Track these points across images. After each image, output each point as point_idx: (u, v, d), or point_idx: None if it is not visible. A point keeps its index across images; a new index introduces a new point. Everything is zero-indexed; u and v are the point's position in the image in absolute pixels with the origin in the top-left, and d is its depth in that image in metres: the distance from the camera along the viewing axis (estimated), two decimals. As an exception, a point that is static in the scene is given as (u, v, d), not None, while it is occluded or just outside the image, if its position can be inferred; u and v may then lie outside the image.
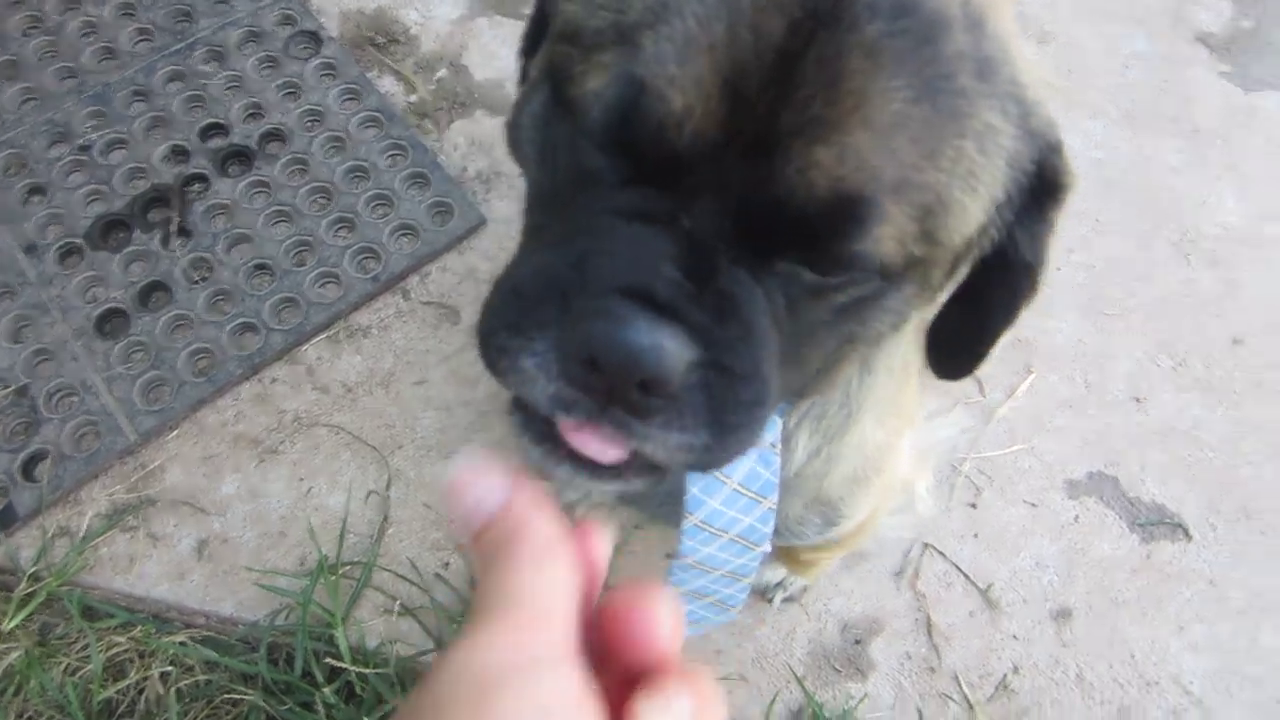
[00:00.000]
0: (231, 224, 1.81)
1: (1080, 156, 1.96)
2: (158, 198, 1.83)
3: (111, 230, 1.80)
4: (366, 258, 1.80)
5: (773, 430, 0.93)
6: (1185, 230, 1.95)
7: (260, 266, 1.78)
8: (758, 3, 0.62)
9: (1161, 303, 1.87)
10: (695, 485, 0.95)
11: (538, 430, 0.72)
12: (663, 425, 0.67)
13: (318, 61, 1.98)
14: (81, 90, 1.92)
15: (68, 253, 1.77)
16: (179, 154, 1.87)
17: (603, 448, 0.70)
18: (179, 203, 1.82)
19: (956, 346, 0.86)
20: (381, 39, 2.04)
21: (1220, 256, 1.92)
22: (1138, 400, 1.79)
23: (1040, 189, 0.73)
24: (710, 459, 0.72)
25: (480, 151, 1.94)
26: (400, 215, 1.83)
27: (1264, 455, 1.75)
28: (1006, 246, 0.75)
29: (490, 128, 1.96)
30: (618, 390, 0.65)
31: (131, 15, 2.01)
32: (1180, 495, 1.71)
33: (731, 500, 0.97)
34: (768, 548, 1.05)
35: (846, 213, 0.64)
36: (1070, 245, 1.91)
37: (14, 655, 1.51)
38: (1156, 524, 1.69)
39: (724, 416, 0.68)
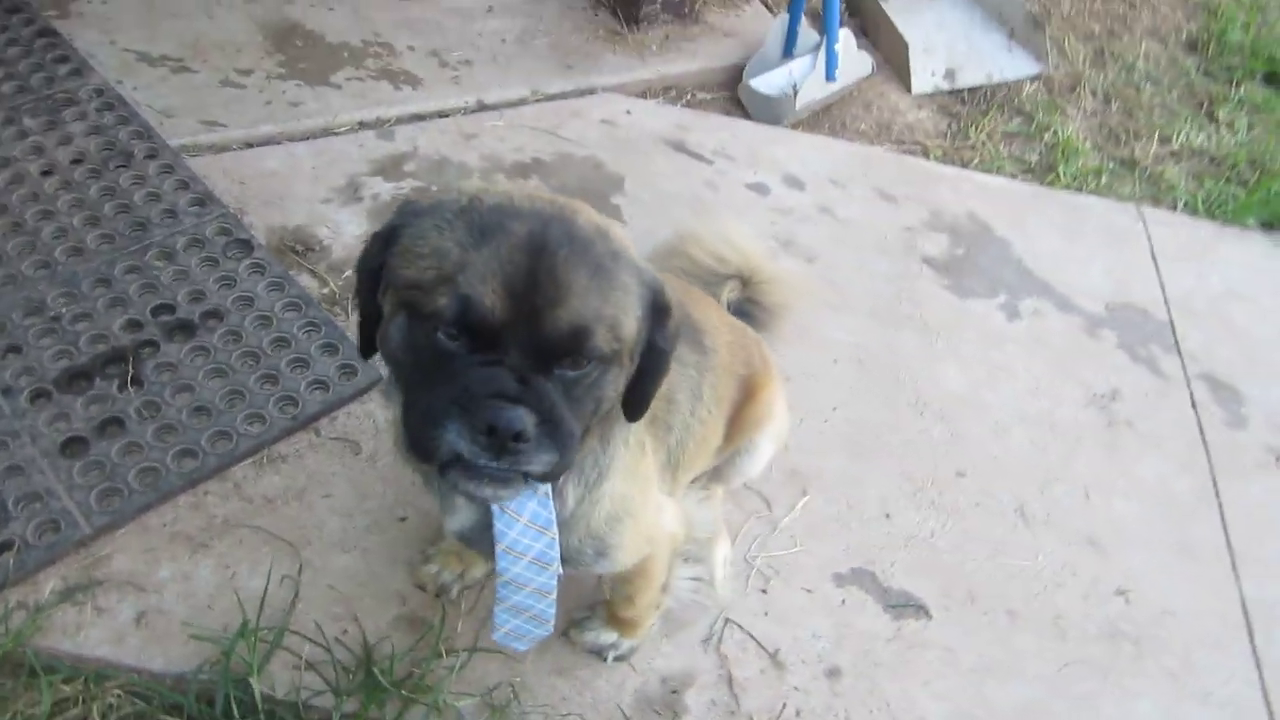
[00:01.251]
0: (176, 377, 2.26)
1: (842, 343, 2.64)
2: (115, 357, 2.27)
3: (75, 379, 2.22)
4: (287, 404, 2.26)
5: (545, 486, 1.47)
6: (920, 395, 2.59)
7: (199, 409, 2.21)
8: (509, 250, 1.20)
9: (904, 446, 2.47)
10: (501, 524, 1.50)
11: (468, 472, 1.27)
12: (531, 453, 1.24)
13: (249, 261, 2.51)
14: (53, 277, 2.39)
15: (38, 395, 2.18)
16: (134, 325, 2.33)
17: (497, 482, 1.29)
18: (133, 360, 2.27)
19: (633, 401, 1.42)
20: (300, 248, 2.60)
21: (946, 414, 2.56)
22: (887, 516, 2.34)
23: (657, 310, 1.33)
24: (555, 469, 1.30)
25: (380, 329, 2.46)
26: (314, 374, 2.31)
27: (983, 556, 2.30)
28: (651, 342, 1.34)
29: (388, 313, 2.49)
30: (504, 444, 1.21)
31: (96, 224, 2.52)
32: (921, 585, 2.23)
33: (524, 533, 1.52)
34: (557, 569, 1.55)
35: (579, 335, 1.22)
36: (835, 405, 2.51)
37: None
38: (904, 606, 2.20)
39: (557, 445, 1.26)
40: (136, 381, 2.24)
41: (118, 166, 2.65)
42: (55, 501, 2.02)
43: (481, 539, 1.61)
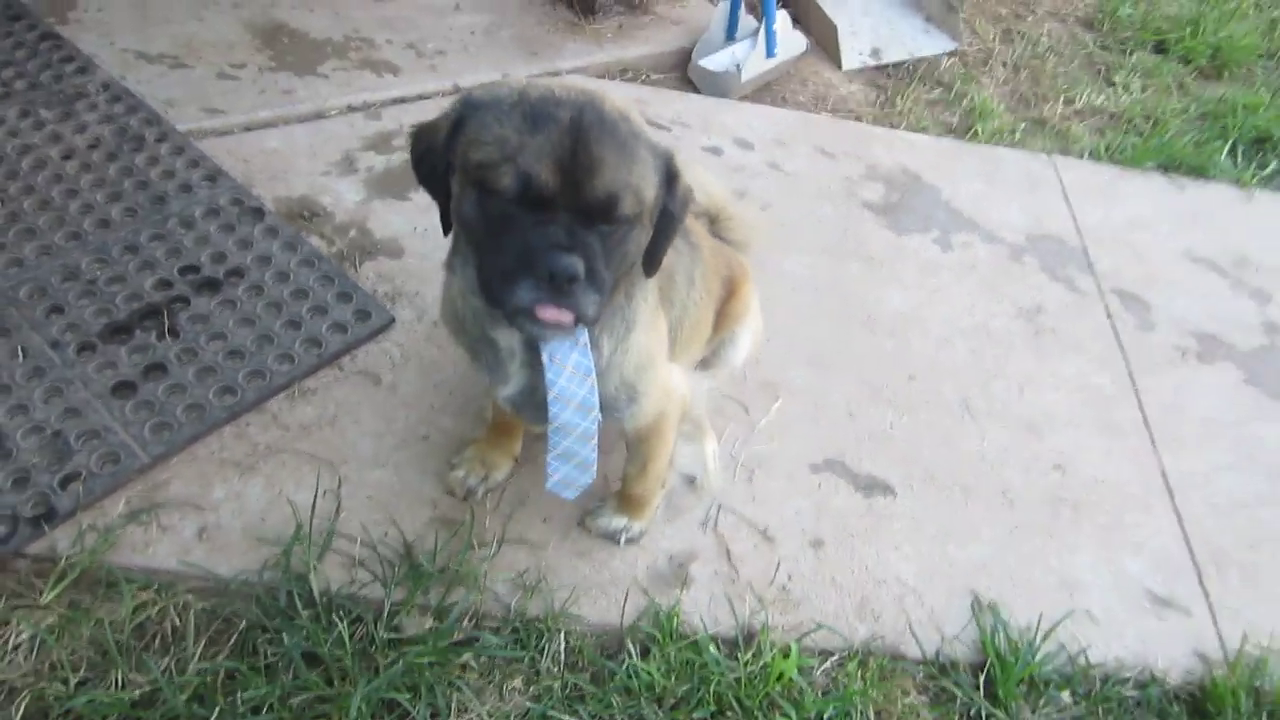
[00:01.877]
0: (209, 327, 2.49)
1: (796, 275, 2.95)
2: (150, 312, 2.50)
3: (116, 333, 2.44)
4: (311, 345, 2.50)
5: (584, 336, 1.76)
6: (870, 315, 2.91)
7: (233, 352, 2.45)
8: (556, 135, 1.47)
9: (859, 358, 2.79)
10: (551, 373, 1.77)
11: (531, 318, 1.55)
12: (582, 293, 1.52)
13: (262, 226, 2.75)
14: (84, 246, 2.61)
15: (84, 347, 2.40)
16: (164, 284, 2.56)
17: (559, 315, 1.55)
18: (167, 314, 2.50)
19: (650, 257, 1.70)
20: (307, 213, 2.85)
21: (894, 330, 2.89)
22: (851, 415, 2.65)
23: (670, 178, 1.62)
24: (597, 311, 1.57)
25: (385, 280, 2.72)
26: (333, 318, 2.56)
27: (937, 443, 2.62)
28: (665, 206, 1.63)
29: (390, 266, 2.76)
30: (561, 286, 1.49)
31: (118, 199, 2.75)
32: (886, 470, 2.55)
33: (570, 379, 1.80)
34: (598, 414, 1.83)
35: (612, 199, 1.50)
36: (797, 325, 2.83)
37: (49, 619, 2.01)
38: (872, 487, 2.51)
39: (598, 288, 1.53)
40: (173, 332, 2.47)
41: (131, 150, 2.88)
42: (113, 436, 2.25)
43: (527, 404, 1.89)
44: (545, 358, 1.76)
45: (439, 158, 1.61)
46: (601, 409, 1.86)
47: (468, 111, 1.56)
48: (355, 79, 3.29)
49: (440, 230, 1.74)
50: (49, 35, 3.20)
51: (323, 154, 3.03)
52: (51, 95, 2.99)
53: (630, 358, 1.86)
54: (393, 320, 2.61)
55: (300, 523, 2.18)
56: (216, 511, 2.20)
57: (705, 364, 2.42)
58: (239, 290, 2.59)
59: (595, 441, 1.91)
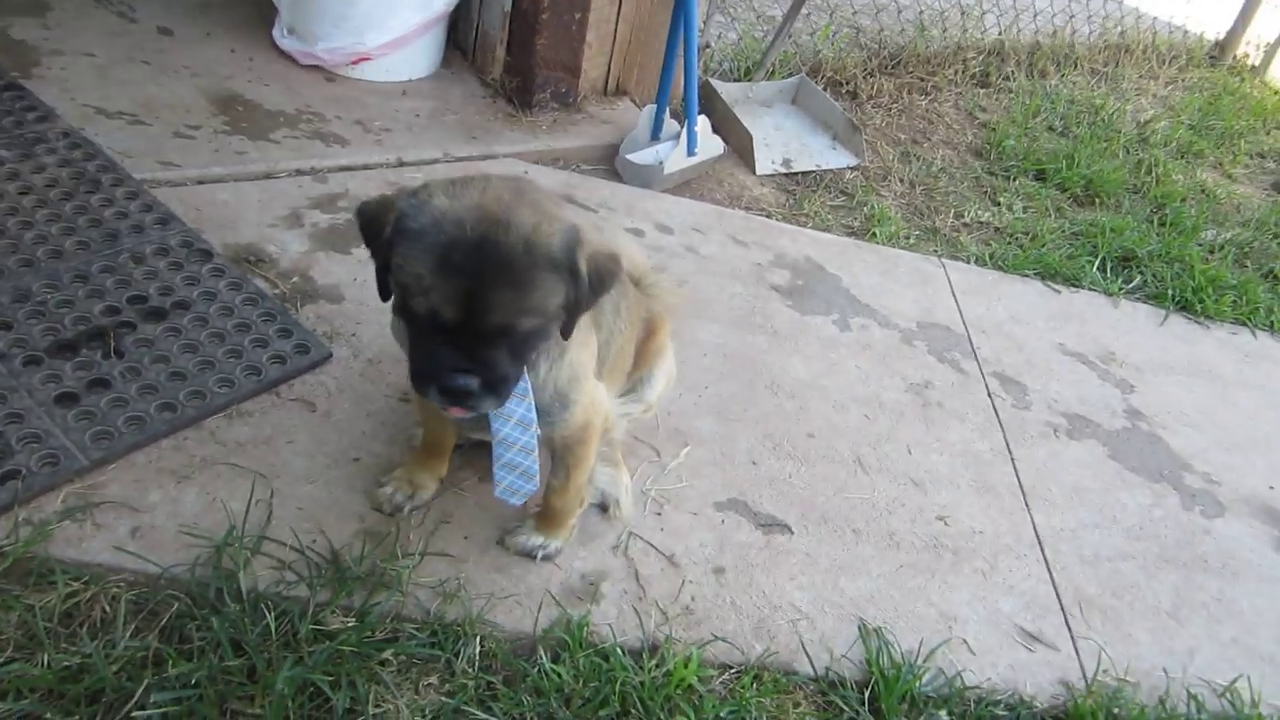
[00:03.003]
0: (152, 351, 2.62)
1: (708, 342, 3.21)
2: (97, 333, 2.62)
3: (62, 349, 2.56)
4: (250, 373, 2.65)
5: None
6: (773, 380, 3.17)
7: (175, 374, 2.58)
8: (459, 280, 1.70)
9: (763, 415, 3.03)
10: None
11: (441, 404, 1.87)
12: (479, 399, 1.81)
13: (209, 266, 2.92)
14: (36, 272, 2.75)
15: (30, 360, 2.51)
16: (112, 310, 2.70)
17: (463, 413, 1.89)
18: (113, 336, 2.63)
19: (565, 330, 1.94)
20: (253, 259, 3.03)
21: (795, 394, 3.14)
22: (754, 463, 2.87)
23: (574, 273, 1.81)
24: (502, 401, 1.89)
25: (324, 321, 2.89)
26: (273, 350, 2.72)
27: (831, 491, 2.85)
28: (577, 296, 1.84)
29: (329, 309, 2.94)
30: (458, 400, 1.82)
31: (71, 233, 2.89)
32: (784, 511, 2.75)
33: (509, 399, 2.00)
34: (536, 429, 2.04)
35: (508, 329, 1.76)
36: (706, 384, 3.06)
37: None
38: (771, 525, 2.71)
39: (497, 394, 1.84)
40: (118, 353, 2.60)
41: (87, 191, 3.04)
42: (53, 440, 2.35)
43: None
44: None
45: (379, 249, 1.83)
46: (539, 415, 2.09)
47: (396, 237, 1.77)
48: (305, 146, 3.52)
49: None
50: (12, 86, 3.38)
51: (271, 209, 3.23)
52: (12, 138, 3.16)
53: (564, 371, 2.09)
54: (330, 355, 2.78)
55: (233, 525, 2.29)
56: (152, 513, 2.30)
57: (624, 397, 2.63)
58: (184, 320, 2.74)
59: (535, 454, 2.12)
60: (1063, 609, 2.71)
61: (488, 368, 1.79)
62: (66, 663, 1.99)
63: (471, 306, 1.72)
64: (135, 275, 2.82)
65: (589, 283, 1.84)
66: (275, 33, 4.02)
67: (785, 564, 2.61)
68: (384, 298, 1.92)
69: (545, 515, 2.43)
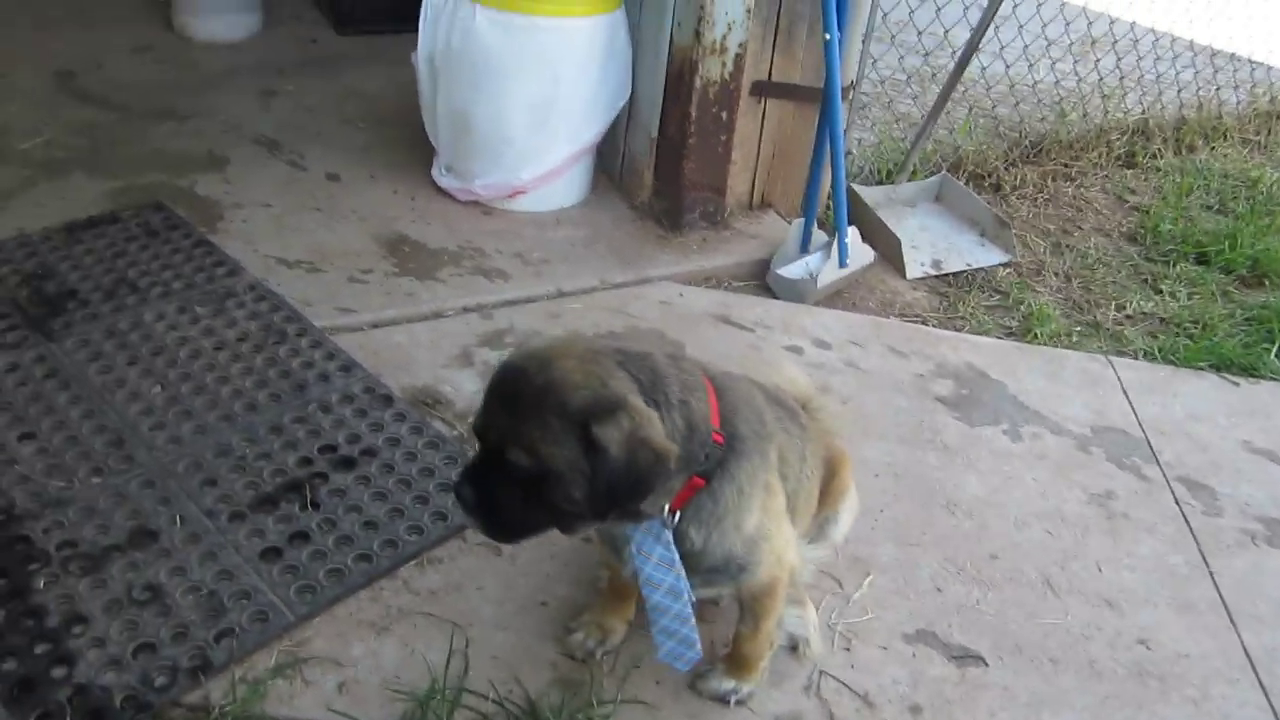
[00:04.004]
0: (346, 500, 2.73)
1: (877, 461, 3.17)
2: (293, 485, 2.75)
3: (263, 504, 2.69)
4: (437, 519, 2.73)
5: (665, 534, 2.00)
6: (948, 499, 3.10)
7: (368, 523, 2.68)
8: (489, 397, 1.85)
9: (942, 537, 2.96)
10: (638, 562, 2.05)
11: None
12: (477, 514, 1.93)
13: (391, 411, 3.04)
14: (234, 427, 2.90)
15: (234, 516, 2.64)
16: (306, 461, 2.83)
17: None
18: (308, 487, 2.75)
19: (599, 506, 1.89)
20: (430, 400, 3.14)
21: (973, 512, 3.06)
22: (939, 590, 2.80)
23: (584, 435, 1.80)
24: (503, 534, 2.05)
25: (503, 461, 2.97)
26: (457, 494, 2.80)
27: (1022, 617, 2.75)
28: (594, 465, 1.81)
29: (507, 449, 3.01)
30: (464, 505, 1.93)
31: (264, 386, 3.06)
32: (975, 641, 2.67)
33: (655, 569, 2.05)
34: (689, 598, 2.08)
35: (498, 450, 1.82)
36: (881, 508, 3.02)
37: None
38: (964, 657, 2.62)
39: (487, 516, 1.93)
40: (314, 504, 2.71)
41: (274, 343, 3.22)
42: (262, 596, 2.45)
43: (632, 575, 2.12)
44: (632, 548, 2.03)
45: None
46: (715, 575, 2.11)
47: None
48: (470, 283, 3.65)
49: None
50: (202, 242, 3.62)
51: (442, 348, 3.35)
52: (205, 295, 3.37)
53: (731, 537, 2.06)
54: (510, 496, 2.84)
55: (434, 678, 2.34)
56: (355, 667, 2.37)
57: (809, 539, 2.60)
58: (372, 468, 2.84)
59: (692, 622, 2.11)
60: (1288, 742, 2.54)
61: (483, 488, 1.88)
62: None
63: (483, 417, 1.87)
64: (324, 425, 2.96)
65: (623, 467, 1.77)
66: (434, 172, 4.21)
67: (983, 700, 2.52)
68: None
69: (735, 660, 2.41)
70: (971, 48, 4.47)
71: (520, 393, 1.81)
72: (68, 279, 3.40)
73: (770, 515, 2.13)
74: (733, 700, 2.41)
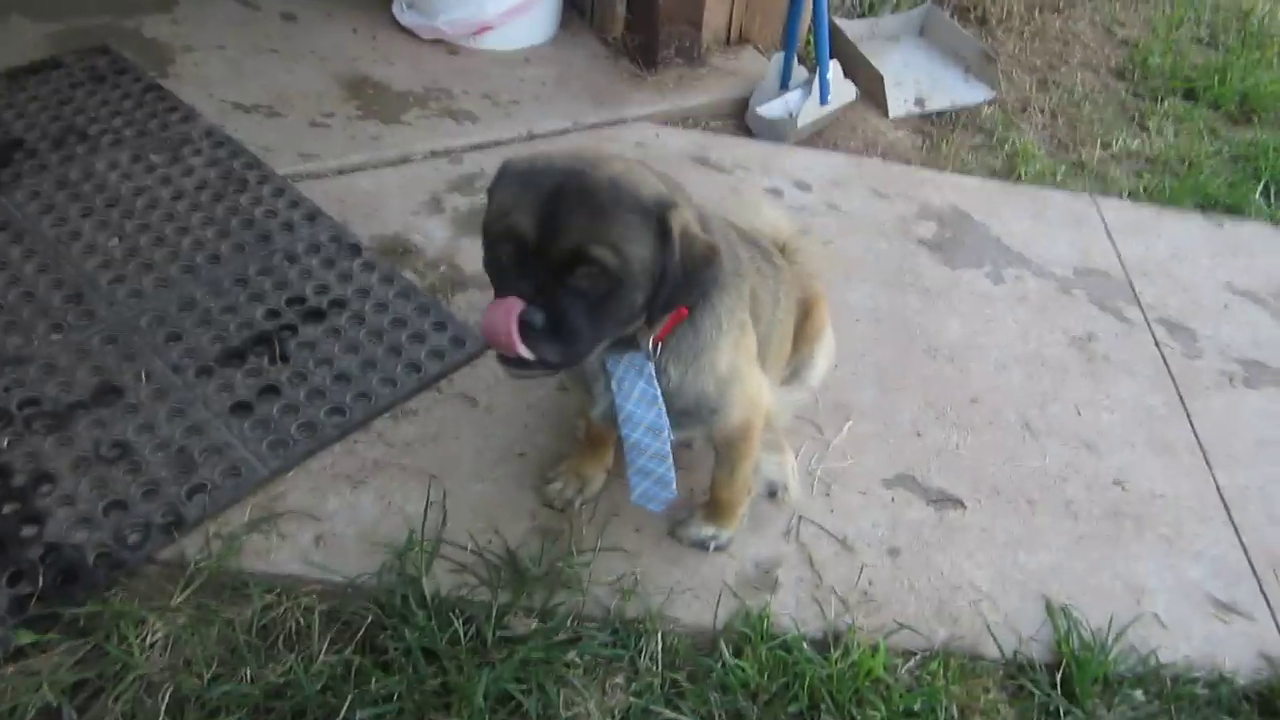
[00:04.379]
0: (316, 353, 2.66)
1: (859, 306, 3.11)
2: (261, 339, 2.67)
3: (231, 358, 2.62)
4: (411, 370, 2.67)
5: (648, 367, 1.93)
6: (930, 343, 3.06)
7: (340, 376, 2.62)
8: (539, 199, 1.63)
9: (923, 381, 2.94)
10: (619, 399, 1.96)
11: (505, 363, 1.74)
12: (541, 341, 1.68)
13: (360, 261, 2.94)
14: (198, 279, 2.80)
15: (202, 371, 2.57)
16: (273, 314, 2.74)
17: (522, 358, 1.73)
18: (277, 340, 2.67)
19: (654, 310, 1.79)
20: (400, 250, 3.04)
21: (954, 356, 3.04)
22: (918, 434, 2.79)
23: (663, 234, 1.72)
24: (565, 358, 1.75)
25: (476, 310, 2.89)
26: (429, 345, 2.73)
27: (1001, 460, 2.76)
28: (665, 265, 1.72)
29: (480, 298, 2.93)
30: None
31: (226, 236, 2.94)
32: (955, 484, 2.68)
33: (637, 405, 1.98)
34: (668, 435, 2.01)
35: (580, 254, 1.64)
36: (862, 352, 2.98)
37: (180, 620, 2.15)
38: (943, 500, 2.63)
39: (561, 339, 1.70)
40: (284, 358, 2.64)
41: (235, 191, 3.08)
42: (233, 451, 2.41)
43: (615, 417, 2.06)
44: (613, 384, 1.96)
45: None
46: (686, 417, 2.04)
47: (497, 176, 1.77)
48: (437, 125, 3.50)
49: None
50: (153, 87, 3.43)
51: (412, 194, 3.22)
52: (160, 141, 3.21)
53: (706, 376, 2.00)
54: (486, 347, 2.78)
55: (412, 529, 2.32)
56: (332, 520, 2.35)
57: (785, 382, 2.57)
58: (342, 319, 2.76)
59: (670, 461, 2.07)
60: (1256, 575, 2.59)
61: (555, 304, 1.66)
62: (270, 679, 2.05)
63: (546, 225, 1.63)
64: (291, 276, 2.86)
65: (680, 261, 1.73)
66: (395, 9, 3.99)
67: (961, 541, 2.54)
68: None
69: (713, 507, 2.40)
70: None
71: (590, 191, 1.65)
72: (12, 128, 3.22)
73: (743, 355, 2.08)
74: (711, 546, 2.41)
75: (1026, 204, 3.75)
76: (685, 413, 2.04)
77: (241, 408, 2.51)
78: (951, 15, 4.71)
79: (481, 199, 3.23)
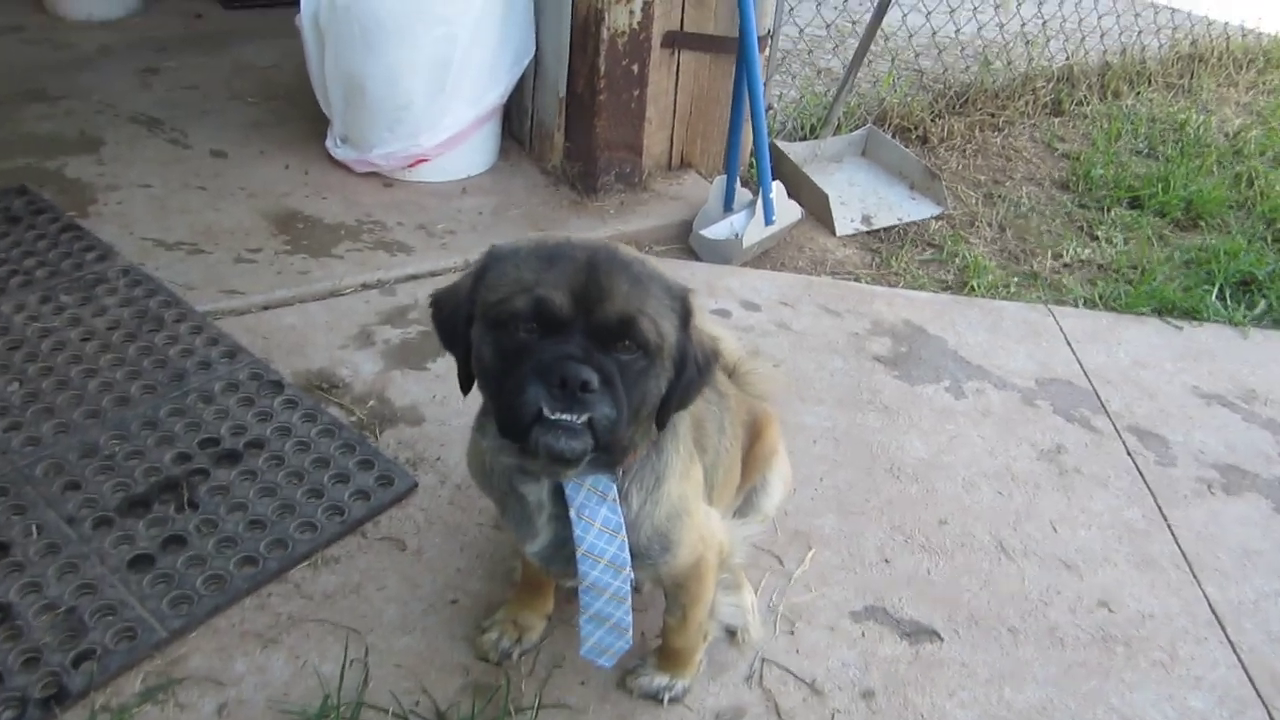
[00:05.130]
0: (229, 498, 2.44)
1: (815, 427, 2.96)
2: (169, 485, 2.45)
3: (134, 507, 2.39)
4: (333, 513, 2.45)
5: (612, 491, 1.75)
6: (892, 463, 2.89)
7: (254, 522, 2.39)
8: (571, 269, 1.51)
9: (887, 504, 2.76)
10: (579, 529, 1.75)
11: (549, 430, 1.52)
12: (595, 403, 1.51)
13: (281, 398, 2.75)
14: (103, 424, 2.59)
15: (100, 522, 2.34)
16: (184, 458, 2.53)
17: (570, 425, 1.54)
18: (186, 486, 2.45)
19: (669, 404, 1.67)
20: (326, 385, 2.85)
21: (918, 475, 2.86)
22: (886, 561, 2.59)
23: (685, 318, 1.63)
24: (612, 430, 1.56)
25: (406, 446, 2.70)
26: (355, 486, 2.52)
27: (977, 586, 2.56)
28: (684, 349, 1.62)
29: (410, 433, 2.74)
30: (574, 393, 1.49)
31: (137, 377, 2.75)
32: (928, 614, 2.47)
33: (599, 536, 1.77)
34: (629, 574, 1.79)
35: (626, 322, 1.52)
36: (820, 475, 2.80)
37: None
38: (917, 632, 2.42)
39: (614, 402, 1.53)
40: (193, 504, 2.42)
41: (150, 330, 2.90)
42: (129, 611, 2.16)
43: (556, 557, 1.85)
44: (573, 514, 1.74)
45: (461, 310, 1.64)
46: (634, 558, 1.82)
47: (490, 261, 1.61)
48: (369, 258, 3.37)
49: (460, 394, 1.74)
50: (70, 227, 3.29)
51: (340, 328, 3.06)
52: (73, 282, 3.05)
53: (661, 508, 1.83)
54: (415, 485, 2.57)
55: (328, 694, 2.07)
56: (238, 686, 2.09)
57: (739, 512, 2.38)
58: (259, 461, 2.56)
59: (629, 604, 1.85)
60: (1262, 700, 2.37)
61: (601, 364, 1.52)
62: None
63: (587, 294, 1.50)
64: (205, 416, 2.66)
65: (697, 340, 1.65)
66: (329, 143, 3.90)
67: (940, 678, 2.31)
68: (465, 384, 1.72)
69: (666, 653, 2.17)
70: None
71: (627, 264, 1.54)
72: (-86, 271, 3.05)
73: (691, 486, 1.89)
74: (666, 698, 2.17)
75: (981, 316, 3.65)
76: (636, 551, 1.83)
77: (142, 561, 2.27)
78: (892, 136, 4.72)
79: (416, 331, 3.09)
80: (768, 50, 4.08)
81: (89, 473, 2.46)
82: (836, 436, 2.97)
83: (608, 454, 1.64)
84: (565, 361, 1.49)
